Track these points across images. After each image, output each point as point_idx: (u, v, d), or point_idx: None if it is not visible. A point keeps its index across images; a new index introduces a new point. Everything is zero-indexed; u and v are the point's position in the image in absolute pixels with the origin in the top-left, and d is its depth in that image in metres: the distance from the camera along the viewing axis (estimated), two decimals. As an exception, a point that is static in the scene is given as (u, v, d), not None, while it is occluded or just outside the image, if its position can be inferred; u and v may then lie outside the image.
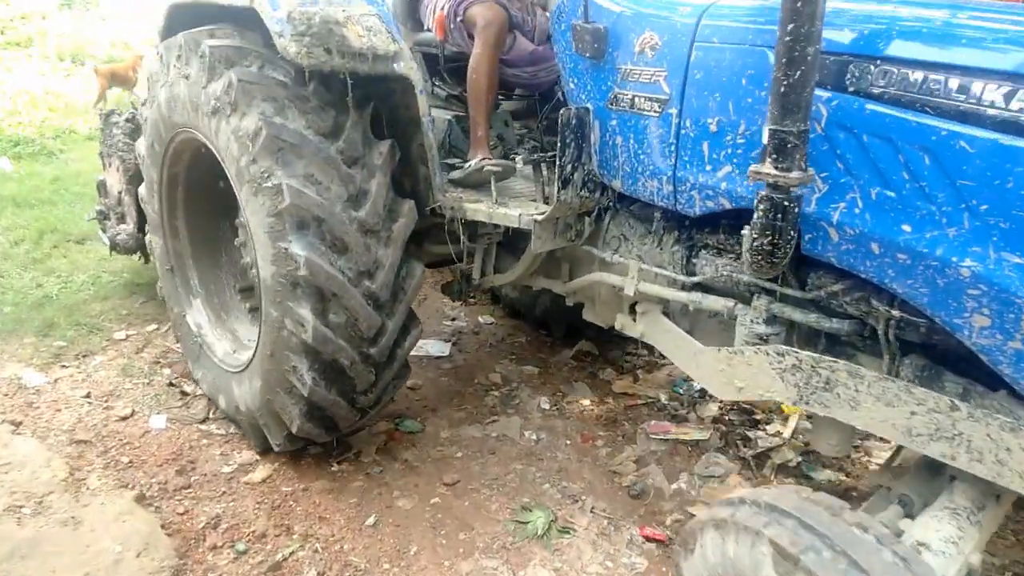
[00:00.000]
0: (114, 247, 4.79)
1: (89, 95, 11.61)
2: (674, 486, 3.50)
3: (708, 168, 2.26)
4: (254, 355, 3.05)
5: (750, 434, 3.82)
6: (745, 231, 2.02)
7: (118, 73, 11.44)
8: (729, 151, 2.19)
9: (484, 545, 3.04)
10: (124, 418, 3.72)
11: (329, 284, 2.63)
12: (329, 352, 2.73)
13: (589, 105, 2.58)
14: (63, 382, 4.04)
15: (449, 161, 3.25)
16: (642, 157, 2.47)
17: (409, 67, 2.62)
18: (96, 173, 7.65)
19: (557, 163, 2.51)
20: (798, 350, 2.11)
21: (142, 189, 3.66)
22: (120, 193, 4.66)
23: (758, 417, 3.95)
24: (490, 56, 2.97)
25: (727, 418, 3.99)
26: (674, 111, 2.30)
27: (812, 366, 2.02)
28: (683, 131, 2.29)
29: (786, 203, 1.85)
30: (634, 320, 2.87)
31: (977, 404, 1.81)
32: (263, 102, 2.52)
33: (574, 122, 2.49)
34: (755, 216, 1.94)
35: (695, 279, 2.50)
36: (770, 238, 1.90)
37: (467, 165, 3.02)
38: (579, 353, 4.71)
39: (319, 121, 2.60)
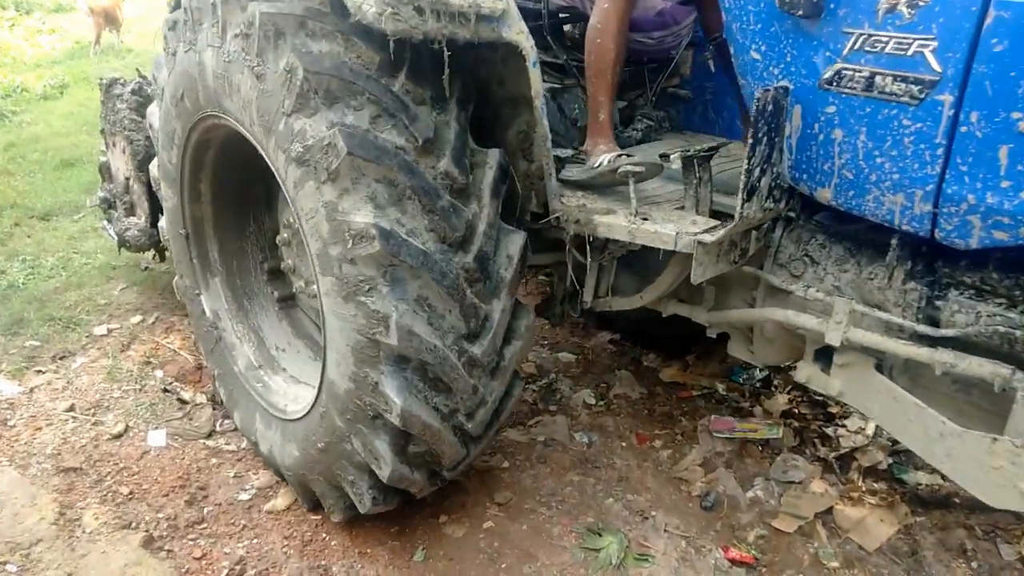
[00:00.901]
0: (123, 244, 4.09)
1: (39, 48, 10.64)
2: (750, 494, 3.13)
3: (1006, 185, 1.64)
4: (307, 412, 2.47)
5: (828, 431, 3.45)
6: None
7: (109, 12, 10.56)
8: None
9: (554, 581, 2.65)
10: (117, 436, 3.21)
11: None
12: (417, 443, 2.25)
13: (787, 84, 1.95)
14: (41, 392, 3.50)
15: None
16: (879, 161, 1.83)
17: (520, 31, 1.97)
18: (56, 138, 6.86)
19: (745, 164, 1.91)
20: None
21: (153, 167, 3.04)
22: (128, 180, 3.96)
23: (833, 410, 3.58)
24: (620, 14, 2.31)
25: (798, 411, 3.61)
26: (947, 98, 1.67)
27: None
28: (962, 128, 1.67)
29: None
30: (826, 372, 2.25)
31: None
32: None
33: (770, 108, 1.88)
34: None
35: (945, 332, 1.88)
36: None
37: (595, 162, 2.32)
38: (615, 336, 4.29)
39: (427, 169, 1.98)
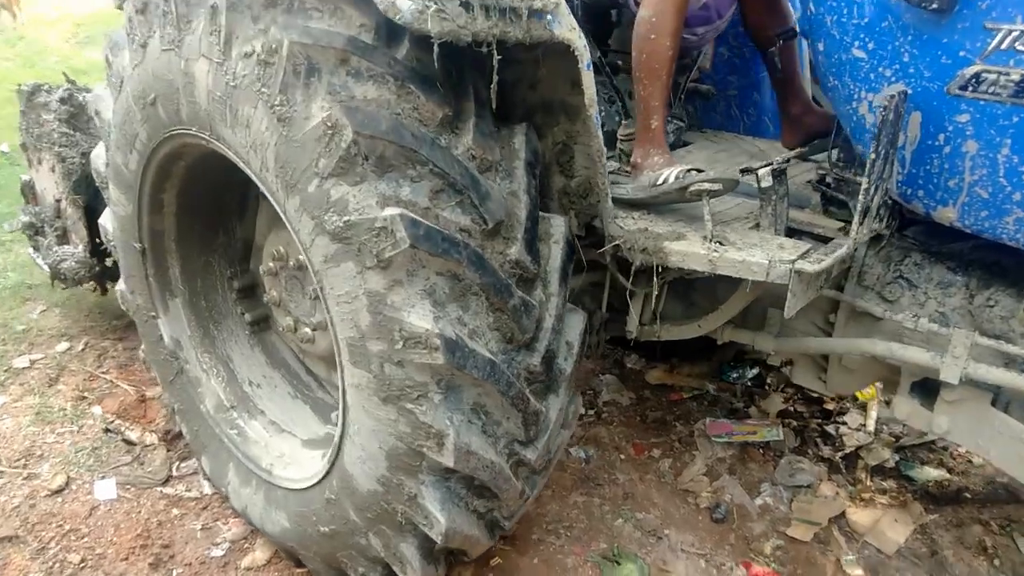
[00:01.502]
0: (57, 276, 3.51)
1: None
2: (758, 501, 3.01)
3: None
4: (306, 488, 2.15)
5: (829, 429, 3.36)
6: None
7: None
8: None
9: (577, 620, 2.44)
10: (57, 491, 2.78)
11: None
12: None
13: (904, 88, 1.71)
14: (-45, 443, 3.01)
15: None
16: None
17: (572, 28, 1.65)
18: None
19: (864, 181, 1.65)
20: None
21: (104, 219, 2.62)
22: (59, 203, 3.42)
23: (829, 407, 3.50)
24: (679, 7, 2.02)
25: (794, 410, 3.52)
26: None
27: None
28: None
29: None
30: (928, 408, 2.05)
31: None
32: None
33: (891, 116, 1.63)
34: None
35: None
36: None
37: (657, 177, 2.01)
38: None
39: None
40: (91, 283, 3.58)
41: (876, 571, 2.69)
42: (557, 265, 1.78)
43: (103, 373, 3.49)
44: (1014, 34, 1.50)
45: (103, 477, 2.87)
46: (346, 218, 1.57)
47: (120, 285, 2.71)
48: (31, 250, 3.72)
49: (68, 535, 2.59)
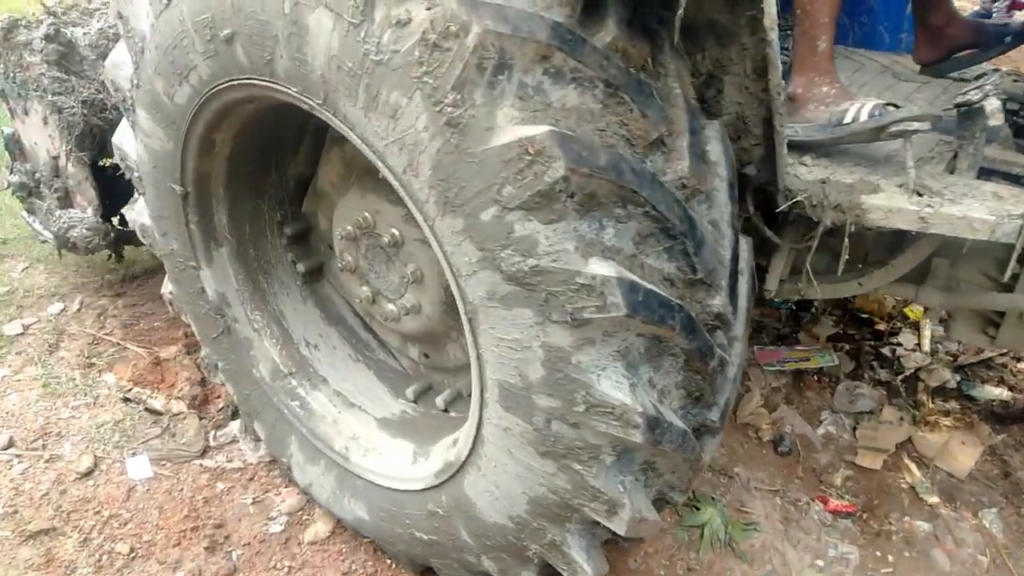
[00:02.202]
0: (65, 245, 3.07)
1: None
2: (820, 431, 2.94)
3: None
4: (403, 491, 1.98)
5: (885, 352, 3.27)
6: None
7: None
8: None
9: (666, 572, 2.35)
10: (87, 473, 2.54)
11: None
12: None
13: None
14: (-43, 427, 2.73)
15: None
16: None
17: None
18: None
19: None
20: None
21: (119, 137, 2.18)
22: (57, 160, 2.93)
23: (882, 328, 3.40)
24: None
25: (845, 332, 3.41)
26: None
27: None
28: None
29: None
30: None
31: None
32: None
33: None
34: None
35: None
36: None
37: (842, 114, 1.68)
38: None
39: None
40: (109, 251, 3.18)
41: (952, 497, 2.66)
42: (744, 304, 1.54)
43: (107, 335, 3.19)
44: None
45: (134, 454, 2.63)
46: (534, 262, 1.29)
47: (141, 218, 2.32)
48: (25, 213, 3.25)
49: (109, 522, 2.37)
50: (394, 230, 1.94)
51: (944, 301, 1.97)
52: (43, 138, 2.94)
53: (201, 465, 2.63)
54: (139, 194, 2.29)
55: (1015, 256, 1.51)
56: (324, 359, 2.37)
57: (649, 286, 1.30)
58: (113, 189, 2.94)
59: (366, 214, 2.00)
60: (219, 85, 1.70)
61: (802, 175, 1.65)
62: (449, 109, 1.26)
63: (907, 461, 2.78)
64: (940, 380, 3.07)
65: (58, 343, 3.14)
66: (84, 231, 2.94)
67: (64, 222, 2.98)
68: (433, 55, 1.23)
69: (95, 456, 2.60)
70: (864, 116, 1.68)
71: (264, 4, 1.44)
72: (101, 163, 2.96)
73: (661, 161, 1.34)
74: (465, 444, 1.74)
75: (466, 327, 1.52)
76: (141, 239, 2.44)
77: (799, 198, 1.61)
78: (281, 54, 1.47)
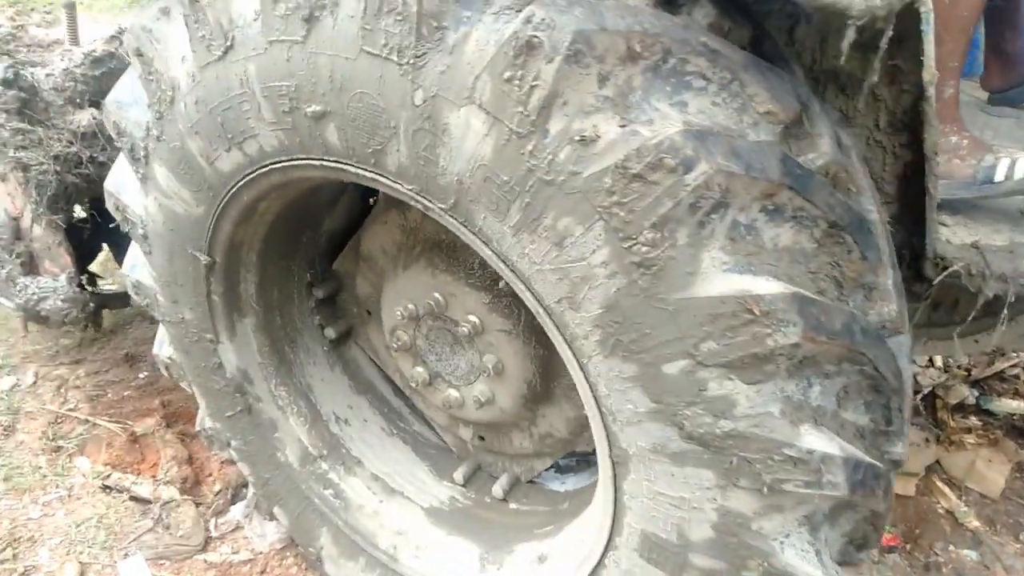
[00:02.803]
0: (36, 318, 2.61)
1: None
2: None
3: None
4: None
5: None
6: None
7: None
8: None
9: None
10: (74, 587, 2.19)
11: None
12: None
13: None
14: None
15: None
16: None
17: None
18: None
19: None
20: None
21: (116, 184, 1.85)
22: (18, 221, 2.47)
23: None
24: None
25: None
26: None
27: None
28: None
29: None
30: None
31: None
32: None
33: None
34: None
35: None
36: None
37: (994, 171, 1.57)
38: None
39: None
40: (86, 322, 2.71)
41: (991, 520, 2.68)
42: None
43: (71, 411, 2.79)
44: None
45: (126, 555, 2.30)
46: (729, 425, 1.14)
47: (137, 275, 1.98)
48: None
49: (114, 647, 2.05)
50: (473, 317, 1.74)
51: None
52: (1, 197, 2.48)
53: (205, 561, 2.33)
54: (144, 253, 1.94)
55: None
56: (356, 435, 2.14)
57: (868, 460, 1.18)
58: (80, 244, 2.55)
59: (436, 295, 1.78)
60: (287, 161, 1.44)
61: (950, 239, 1.52)
62: (643, 248, 1.08)
63: (939, 484, 2.80)
64: (959, 397, 3.11)
65: (14, 425, 2.72)
66: (59, 303, 2.52)
67: (33, 293, 2.53)
68: (631, 186, 1.05)
69: (80, 562, 2.25)
70: (1020, 172, 1.58)
71: (383, 89, 1.20)
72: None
73: (862, 301, 1.21)
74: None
75: (605, 468, 1.37)
76: (135, 298, 2.09)
77: (956, 267, 1.46)
78: (398, 148, 1.24)
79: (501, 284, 1.69)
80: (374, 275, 2.00)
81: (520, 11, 1.07)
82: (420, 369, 1.95)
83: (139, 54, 1.56)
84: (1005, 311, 1.51)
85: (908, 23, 1.14)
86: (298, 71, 1.29)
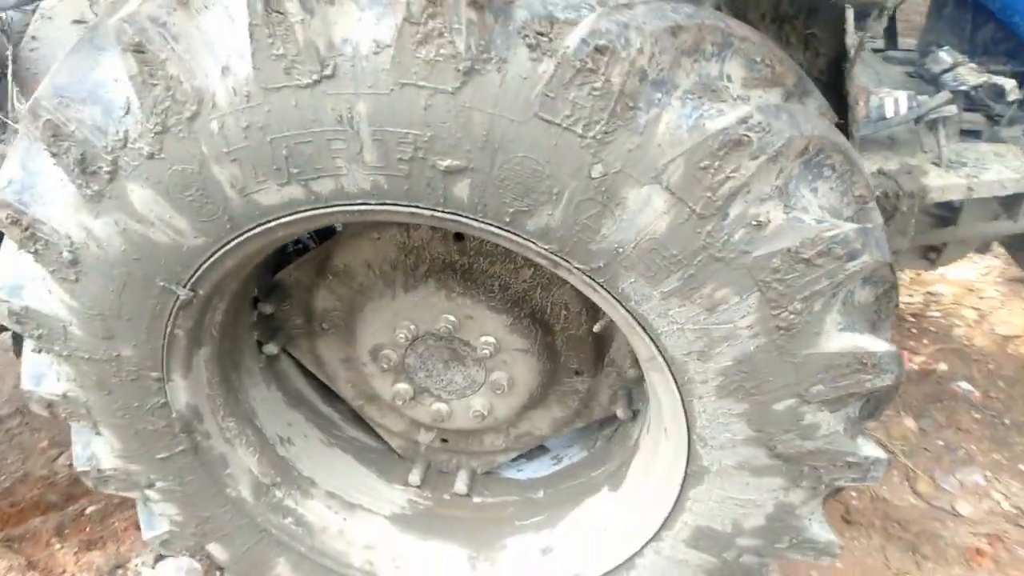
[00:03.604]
0: None
1: None
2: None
3: None
4: None
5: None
6: None
7: None
8: None
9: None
10: None
11: None
12: None
13: None
14: None
15: None
16: None
17: None
18: None
19: None
20: None
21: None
22: None
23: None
24: None
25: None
26: None
27: None
28: None
29: None
30: None
31: None
32: None
33: None
34: None
35: None
36: None
37: (884, 108, 1.88)
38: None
39: None
40: None
41: None
42: None
43: None
44: None
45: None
46: (812, 445, 1.40)
47: (22, 299, 1.53)
48: None
49: None
50: (491, 338, 1.75)
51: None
52: None
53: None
54: (60, 279, 1.50)
55: None
56: (302, 453, 2.02)
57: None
58: None
59: (450, 317, 1.74)
60: (374, 204, 1.29)
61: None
62: (789, 316, 1.25)
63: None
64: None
65: None
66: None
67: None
68: (796, 266, 1.21)
69: None
70: (904, 108, 1.93)
71: (553, 155, 1.16)
72: None
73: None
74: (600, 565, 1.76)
75: (679, 480, 1.55)
76: (12, 326, 1.62)
77: (876, 192, 1.74)
78: (551, 212, 1.22)
79: (522, 308, 1.72)
80: (348, 291, 1.84)
81: (723, 102, 1.13)
82: (404, 386, 1.89)
83: (139, 50, 1.21)
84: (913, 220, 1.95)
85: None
86: (438, 122, 1.16)
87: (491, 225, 1.27)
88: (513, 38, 1.10)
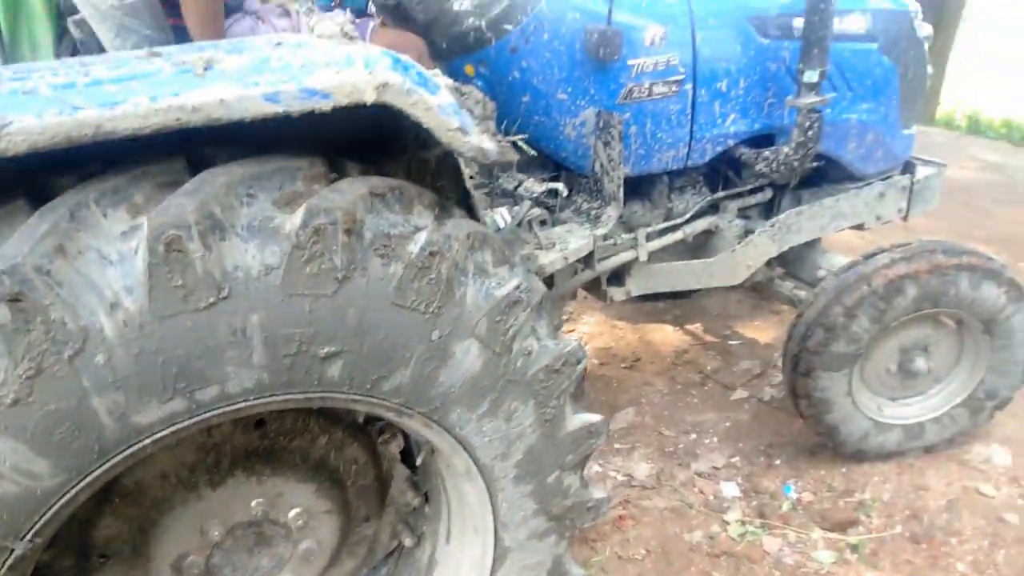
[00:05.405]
0: None
1: None
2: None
3: None
4: None
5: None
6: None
7: None
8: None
9: None
10: None
11: None
12: None
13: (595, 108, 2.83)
14: None
15: None
16: None
17: None
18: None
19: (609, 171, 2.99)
20: None
21: None
22: None
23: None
24: None
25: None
26: None
27: None
28: None
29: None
30: None
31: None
32: None
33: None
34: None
35: None
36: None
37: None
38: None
39: None
40: None
41: None
42: None
43: None
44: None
45: None
46: (568, 501, 1.97)
47: None
48: None
49: None
50: (299, 509, 1.91)
51: None
52: None
53: None
54: None
55: None
56: None
57: None
58: None
59: (260, 500, 1.85)
60: (253, 400, 1.49)
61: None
62: (551, 410, 1.85)
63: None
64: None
65: None
66: None
67: None
68: (551, 375, 1.79)
69: None
70: (508, 219, 2.78)
71: (405, 330, 1.56)
72: None
73: None
74: None
75: (489, 565, 1.97)
76: None
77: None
78: (404, 372, 1.59)
79: (322, 473, 1.95)
80: (137, 510, 1.76)
81: (507, 278, 1.73)
82: (208, 589, 1.85)
83: (15, 299, 1.24)
84: None
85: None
86: (319, 320, 1.48)
87: (355, 394, 1.59)
88: (368, 252, 1.52)
